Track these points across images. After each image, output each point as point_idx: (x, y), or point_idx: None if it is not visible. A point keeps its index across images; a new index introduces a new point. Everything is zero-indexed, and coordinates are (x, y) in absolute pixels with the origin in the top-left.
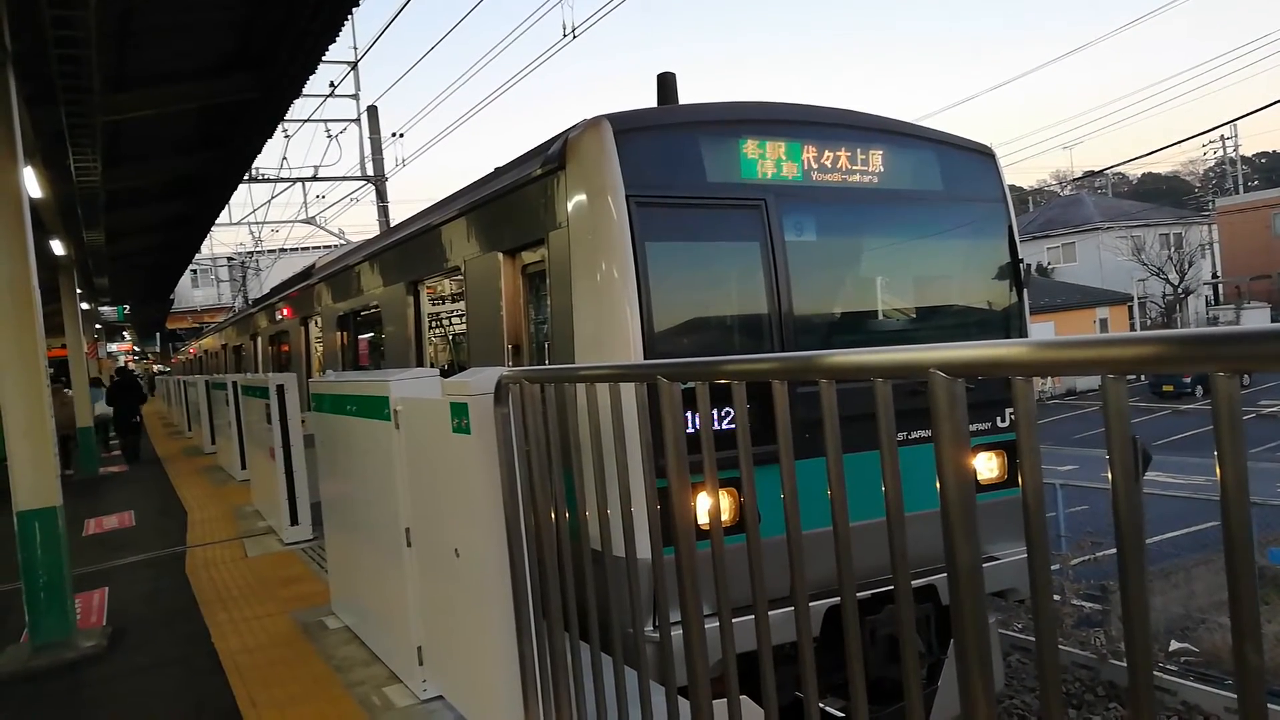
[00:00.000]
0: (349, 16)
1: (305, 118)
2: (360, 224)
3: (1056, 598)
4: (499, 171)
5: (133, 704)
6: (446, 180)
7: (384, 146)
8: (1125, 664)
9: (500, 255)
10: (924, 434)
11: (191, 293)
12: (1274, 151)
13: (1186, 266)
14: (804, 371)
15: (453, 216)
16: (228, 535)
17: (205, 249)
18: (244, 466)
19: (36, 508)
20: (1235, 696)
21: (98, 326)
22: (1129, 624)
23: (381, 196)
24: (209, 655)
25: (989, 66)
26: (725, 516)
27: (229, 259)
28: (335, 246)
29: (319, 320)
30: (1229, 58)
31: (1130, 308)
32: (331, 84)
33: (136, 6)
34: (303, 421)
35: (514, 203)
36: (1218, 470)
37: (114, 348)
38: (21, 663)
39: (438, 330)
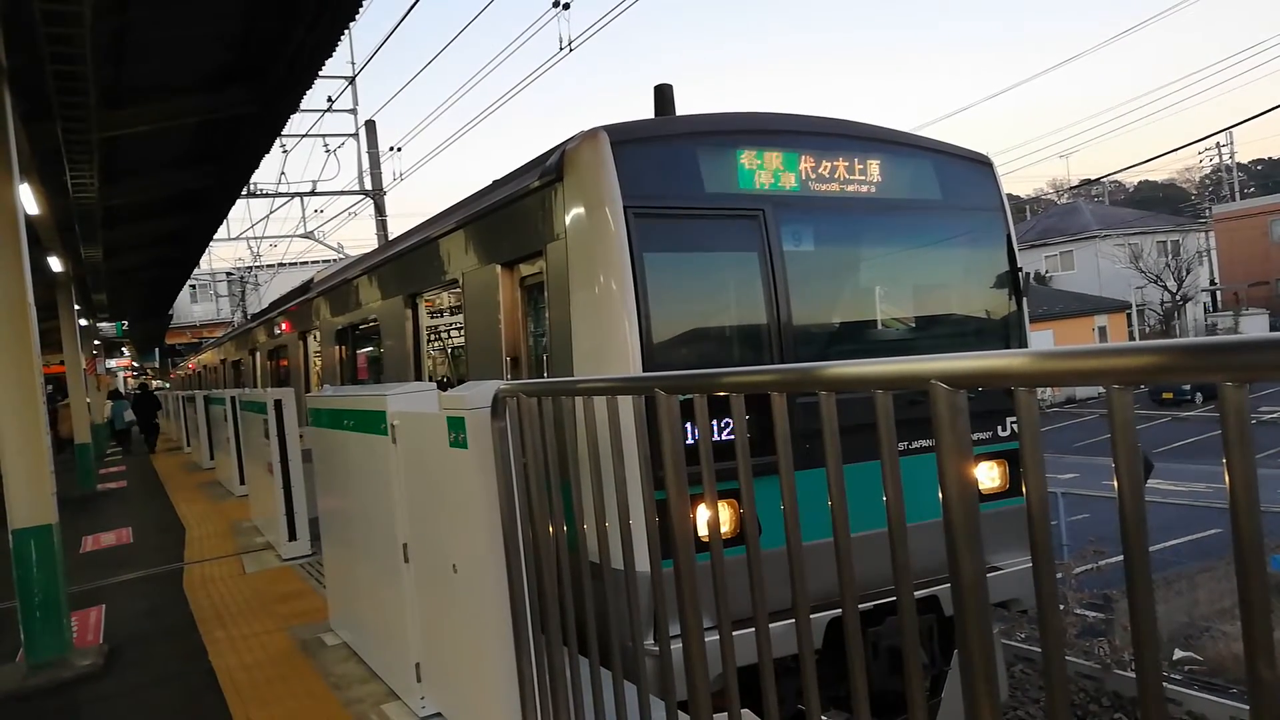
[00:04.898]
0: (346, 30)
1: (303, 132)
2: (359, 238)
3: (1060, 607)
4: (497, 184)
5: None
6: (444, 194)
7: (382, 161)
8: (1130, 673)
9: (498, 268)
10: (925, 443)
11: (190, 308)
12: (1269, 158)
13: (1184, 273)
14: (803, 384)
15: (451, 229)
16: (226, 551)
17: (204, 264)
18: (242, 482)
19: (32, 525)
20: (1241, 706)
21: (96, 342)
22: (1137, 637)
23: (380, 210)
24: (206, 673)
25: (985, 75)
26: (725, 528)
27: (228, 274)
28: (334, 261)
29: (317, 335)
30: (1224, 65)
31: (1129, 315)
32: (329, 98)
33: (132, 22)
34: (301, 436)
35: (512, 215)
36: (1227, 480)
37: (113, 363)
38: (17, 682)
39: (436, 344)
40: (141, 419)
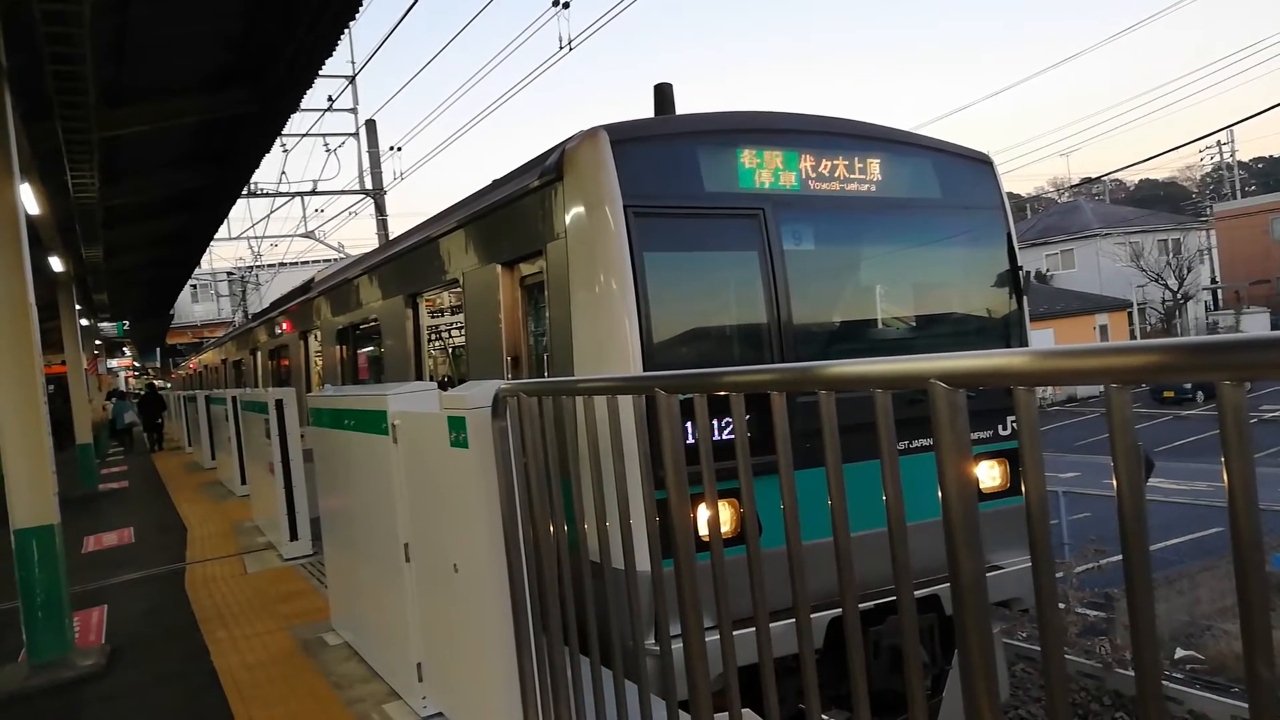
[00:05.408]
0: (346, 29)
1: (304, 132)
2: (359, 237)
3: (1060, 606)
4: (497, 184)
5: None
6: (445, 193)
7: (382, 160)
8: (1131, 672)
9: (499, 267)
10: (925, 442)
11: (191, 308)
12: (1271, 156)
13: (1185, 272)
14: (803, 383)
15: (451, 229)
16: (227, 551)
17: (205, 264)
18: (244, 482)
19: (34, 526)
20: (1242, 705)
21: (97, 342)
22: (1136, 636)
23: (380, 210)
24: (208, 673)
25: (985, 74)
26: (725, 528)
27: (228, 274)
28: (334, 260)
29: (318, 334)
30: (1225, 63)
31: (1130, 314)
32: (330, 98)
33: (132, 21)
34: (302, 436)
35: (512, 215)
36: (1225, 480)
37: (114, 363)
38: (19, 682)
39: (437, 343)
40: (146, 419)
